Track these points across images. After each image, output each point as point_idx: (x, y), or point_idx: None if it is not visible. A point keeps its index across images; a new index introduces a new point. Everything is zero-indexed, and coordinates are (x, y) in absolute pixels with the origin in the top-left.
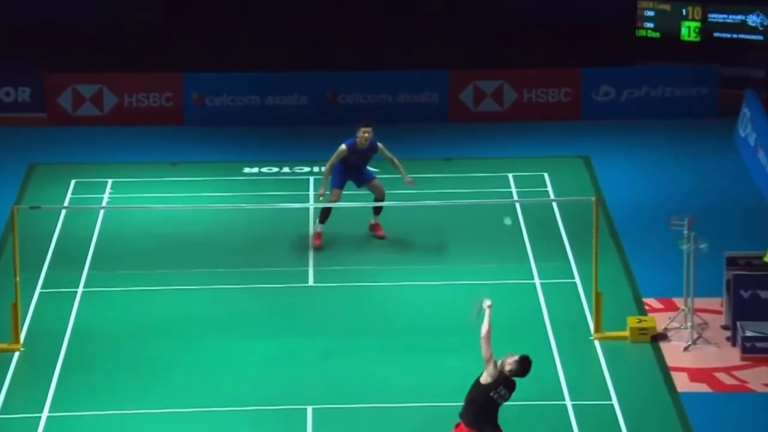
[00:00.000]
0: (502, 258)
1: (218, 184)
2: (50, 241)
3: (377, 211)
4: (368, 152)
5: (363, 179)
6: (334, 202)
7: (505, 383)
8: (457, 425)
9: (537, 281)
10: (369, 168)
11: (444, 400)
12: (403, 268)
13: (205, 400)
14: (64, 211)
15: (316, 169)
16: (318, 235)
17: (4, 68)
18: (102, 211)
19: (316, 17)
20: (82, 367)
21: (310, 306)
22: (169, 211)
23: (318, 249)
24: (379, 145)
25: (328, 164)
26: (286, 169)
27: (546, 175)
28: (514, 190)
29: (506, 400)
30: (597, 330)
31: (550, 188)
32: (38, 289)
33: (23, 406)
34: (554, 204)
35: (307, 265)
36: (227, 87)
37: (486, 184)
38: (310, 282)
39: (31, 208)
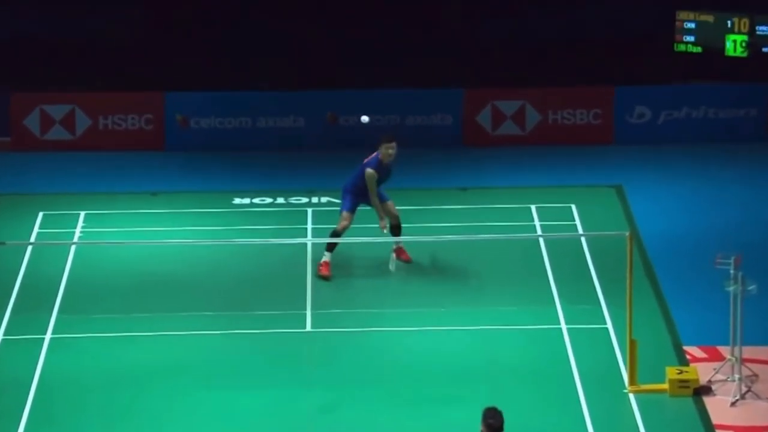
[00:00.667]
0: (523, 300)
1: (205, 217)
2: (15, 281)
3: (397, 233)
4: (390, 170)
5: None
6: (346, 227)
7: None
8: None
9: (563, 326)
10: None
11: None
12: (411, 312)
13: None
14: (30, 248)
15: (314, 199)
16: (326, 265)
17: None
18: (73, 248)
19: (315, 29)
20: (51, 422)
21: (308, 353)
22: (149, 248)
23: (326, 279)
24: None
25: (373, 194)
26: (281, 200)
27: (573, 206)
28: (537, 223)
29: None
30: (632, 382)
31: (578, 221)
32: (1, 335)
33: None
34: (583, 239)
35: (305, 308)
36: (215, 107)
37: (506, 217)
38: (308, 327)
39: None
